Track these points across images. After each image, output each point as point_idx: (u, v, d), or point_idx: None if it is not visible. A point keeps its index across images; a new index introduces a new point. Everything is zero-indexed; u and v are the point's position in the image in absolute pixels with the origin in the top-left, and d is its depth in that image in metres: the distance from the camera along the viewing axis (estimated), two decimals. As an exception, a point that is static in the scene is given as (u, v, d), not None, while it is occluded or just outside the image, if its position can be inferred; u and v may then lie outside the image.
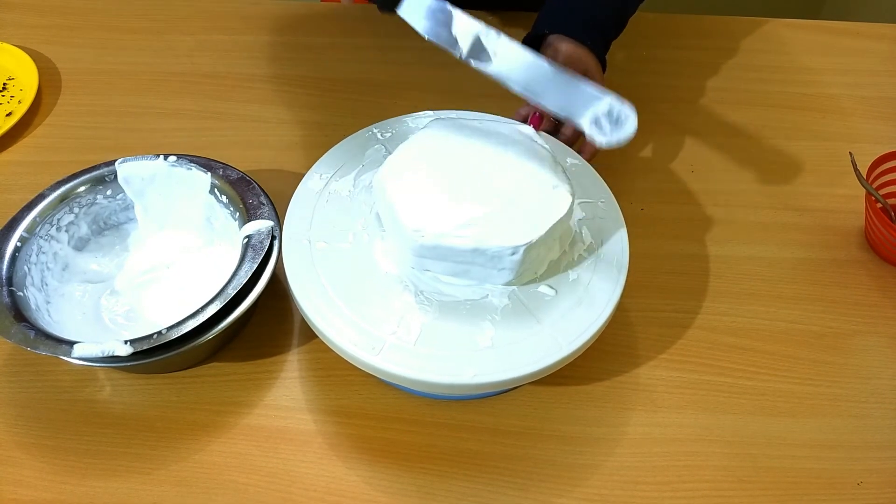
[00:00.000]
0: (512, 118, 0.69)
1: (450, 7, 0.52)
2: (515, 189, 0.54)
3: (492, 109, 0.68)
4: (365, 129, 0.66)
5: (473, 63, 0.52)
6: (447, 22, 0.52)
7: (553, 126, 0.70)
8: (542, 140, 0.66)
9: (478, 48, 0.52)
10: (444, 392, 0.55)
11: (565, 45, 0.67)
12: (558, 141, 0.66)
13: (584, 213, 0.60)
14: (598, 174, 0.63)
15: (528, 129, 0.62)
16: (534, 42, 0.71)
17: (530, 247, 0.52)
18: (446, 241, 0.52)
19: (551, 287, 0.55)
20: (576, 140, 0.69)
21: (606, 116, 0.49)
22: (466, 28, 0.52)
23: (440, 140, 0.58)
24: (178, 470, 0.55)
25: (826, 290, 0.68)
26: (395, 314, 0.53)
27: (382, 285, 0.55)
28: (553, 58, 0.67)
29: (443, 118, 0.60)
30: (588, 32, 0.67)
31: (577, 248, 0.57)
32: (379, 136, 0.65)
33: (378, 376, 0.52)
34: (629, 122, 0.49)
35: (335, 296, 0.54)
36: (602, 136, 0.49)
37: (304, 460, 0.56)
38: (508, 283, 0.55)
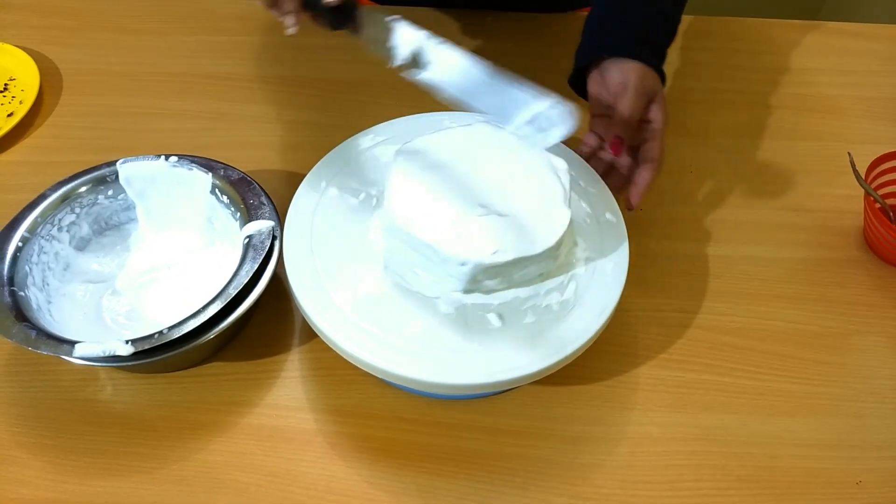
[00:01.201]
0: (579, 149, 0.66)
1: (393, 18, 0.54)
2: (515, 205, 0.53)
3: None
4: (367, 129, 0.66)
5: (409, 72, 0.53)
6: (387, 33, 0.54)
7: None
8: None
9: (418, 58, 0.53)
10: (445, 392, 0.55)
11: (627, 66, 0.62)
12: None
13: (584, 213, 0.60)
14: (597, 174, 0.63)
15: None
16: (583, 70, 0.66)
17: (485, 267, 0.51)
18: (417, 233, 0.51)
19: (557, 292, 0.55)
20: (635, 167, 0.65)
21: (537, 120, 0.50)
22: (409, 39, 0.53)
23: (453, 146, 0.57)
24: (179, 469, 0.55)
25: (825, 289, 0.68)
26: (395, 314, 0.53)
27: (383, 285, 0.55)
28: (612, 80, 0.63)
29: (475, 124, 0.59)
30: (645, 48, 0.63)
31: (577, 248, 0.58)
32: (381, 135, 0.65)
33: (378, 376, 0.52)
34: (557, 129, 0.50)
35: (336, 295, 0.54)
36: (531, 138, 0.50)
37: (304, 459, 0.56)
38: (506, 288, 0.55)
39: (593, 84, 0.65)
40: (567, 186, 0.55)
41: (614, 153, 0.63)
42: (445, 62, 0.52)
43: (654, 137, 0.63)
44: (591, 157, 0.66)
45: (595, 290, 0.55)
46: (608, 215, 0.60)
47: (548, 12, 0.94)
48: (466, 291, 0.53)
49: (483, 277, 0.52)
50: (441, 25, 0.93)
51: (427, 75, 0.52)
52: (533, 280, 0.54)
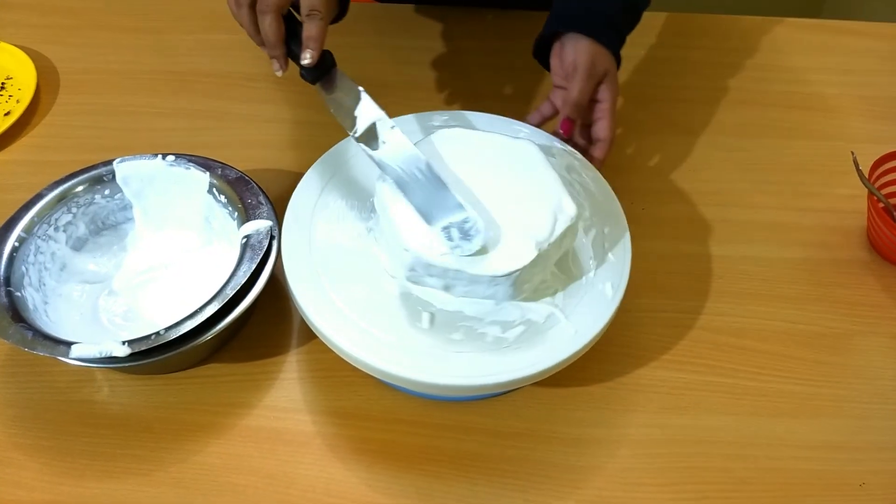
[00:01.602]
0: (526, 121, 0.68)
1: (361, 90, 0.56)
2: (516, 215, 0.53)
3: (494, 110, 0.68)
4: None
5: (362, 144, 0.55)
6: (354, 103, 0.56)
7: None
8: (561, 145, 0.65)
9: (372, 133, 0.55)
10: (445, 393, 0.55)
11: (581, 44, 0.65)
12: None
13: (585, 214, 0.60)
14: (599, 174, 0.63)
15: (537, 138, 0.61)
16: (546, 41, 0.69)
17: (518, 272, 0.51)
18: (432, 259, 0.51)
19: (556, 306, 0.54)
20: (589, 144, 0.68)
21: (458, 227, 0.51)
22: (368, 113, 0.56)
23: (450, 150, 0.57)
24: (176, 471, 0.55)
25: (828, 290, 0.68)
26: (395, 314, 0.53)
27: (382, 286, 0.54)
28: (567, 57, 0.66)
29: (453, 129, 0.59)
30: (604, 29, 0.66)
31: (578, 249, 0.57)
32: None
33: (378, 377, 0.52)
34: (476, 240, 0.50)
35: (335, 296, 0.53)
36: (448, 244, 0.51)
37: (303, 462, 0.56)
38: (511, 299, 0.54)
39: (554, 57, 0.69)
40: (554, 224, 0.53)
41: (565, 134, 0.66)
42: (394, 146, 0.55)
43: (604, 116, 0.66)
44: (541, 125, 0.69)
45: (595, 290, 0.55)
46: (611, 215, 0.60)
47: (548, 10, 0.94)
48: (412, 280, 0.54)
49: (424, 273, 0.52)
50: (441, 24, 0.93)
51: (377, 154, 0.55)
52: (484, 300, 0.54)
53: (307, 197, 0.60)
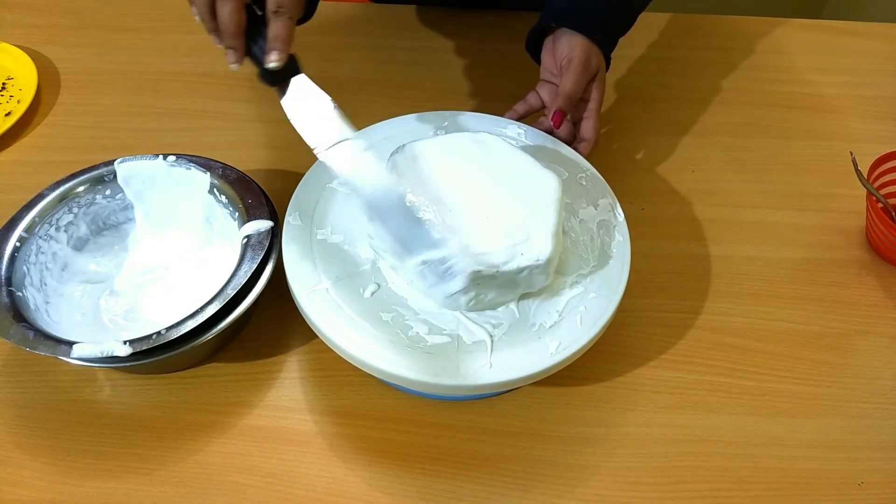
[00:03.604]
0: (513, 109, 0.69)
1: (333, 103, 0.52)
2: (504, 221, 0.53)
3: (488, 110, 0.69)
4: (367, 128, 0.66)
5: (328, 161, 0.51)
6: (320, 117, 0.52)
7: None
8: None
9: (340, 151, 0.51)
10: (445, 393, 0.55)
11: (576, 40, 0.65)
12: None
13: (585, 214, 0.60)
14: (599, 174, 0.63)
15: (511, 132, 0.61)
16: (539, 35, 0.70)
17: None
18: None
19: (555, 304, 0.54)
20: (573, 139, 0.69)
21: (437, 264, 0.48)
22: (338, 130, 0.51)
23: (440, 155, 0.57)
24: (177, 470, 0.55)
25: (827, 290, 0.68)
26: (395, 314, 0.53)
27: (383, 285, 0.55)
28: (561, 51, 0.66)
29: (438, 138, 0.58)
30: (596, 27, 0.66)
31: (578, 247, 0.57)
32: (380, 134, 0.65)
33: (378, 377, 0.52)
34: (456, 280, 0.49)
35: (335, 296, 0.54)
36: (423, 283, 0.49)
37: (303, 461, 0.56)
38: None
39: (545, 51, 0.69)
40: (555, 217, 0.53)
41: (555, 126, 0.66)
42: (368, 170, 0.51)
43: (591, 116, 0.67)
44: (525, 116, 0.70)
45: (595, 293, 0.55)
46: (612, 215, 0.60)
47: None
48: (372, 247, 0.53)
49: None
50: (441, 24, 0.93)
51: (349, 176, 0.51)
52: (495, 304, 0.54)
53: (308, 197, 0.60)
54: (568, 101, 0.65)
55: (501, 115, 0.69)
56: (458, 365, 0.50)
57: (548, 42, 0.69)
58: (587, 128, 0.67)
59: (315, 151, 0.52)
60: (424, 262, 0.49)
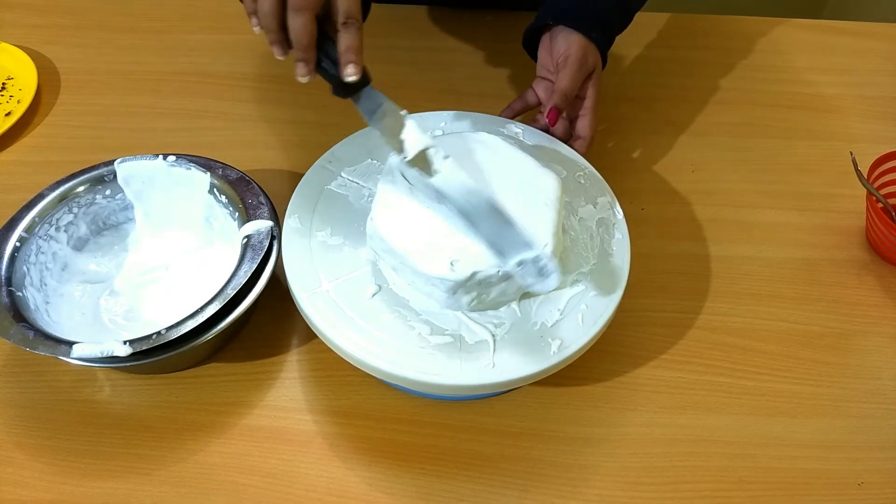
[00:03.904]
0: (510, 107, 0.69)
1: (404, 114, 0.52)
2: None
3: (488, 110, 0.69)
4: (367, 128, 0.66)
5: (415, 171, 0.52)
6: (399, 126, 0.52)
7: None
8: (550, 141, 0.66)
9: (423, 159, 0.52)
10: (445, 393, 0.55)
11: (573, 38, 0.66)
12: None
13: (584, 212, 0.60)
14: (598, 174, 0.63)
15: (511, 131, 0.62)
16: (536, 32, 0.70)
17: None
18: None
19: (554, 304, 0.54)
20: (568, 137, 0.69)
21: (533, 264, 0.49)
22: (415, 140, 0.52)
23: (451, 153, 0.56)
24: (177, 470, 0.55)
25: (827, 290, 0.68)
26: (395, 314, 0.53)
27: (382, 285, 0.55)
28: (558, 49, 0.67)
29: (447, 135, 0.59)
30: (594, 26, 0.66)
31: (578, 246, 0.57)
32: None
33: (378, 377, 0.52)
34: (552, 277, 0.50)
35: (335, 296, 0.54)
36: (524, 281, 0.50)
37: (303, 461, 0.56)
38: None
39: (542, 49, 0.70)
40: (555, 217, 0.53)
41: (550, 123, 0.66)
42: (453, 177, 0.51)
43: (587, 114, 0.68)
44: (521, 112, 0.70)
45: (595, 291, 0.55)
46: (611, 214, 0.60)
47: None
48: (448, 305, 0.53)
49: (461, 291, 0.52)
50: (441, 24, 0.93)
51: (435, 182, 0.51)
52: (509, 300, 0.54)
53: (307, 197, 0.60)
54: (564, 99, 0.65)
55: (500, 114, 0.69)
56: (461, 365, 0.50)
57: (545, 39, 0.69)
58: (583, 125, 0.68)
59: (402, 160, 0.52)
60: (521, 263, 0.50)
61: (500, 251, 0.50)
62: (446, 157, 0.52)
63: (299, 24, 0.48)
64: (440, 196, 0.51)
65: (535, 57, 0.72)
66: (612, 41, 0.70)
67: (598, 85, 0.68)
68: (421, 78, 0.86)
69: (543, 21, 0.68)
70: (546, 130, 0.67)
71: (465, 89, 0.85)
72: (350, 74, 0.50)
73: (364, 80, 0.51)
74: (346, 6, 0.48)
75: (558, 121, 0.66)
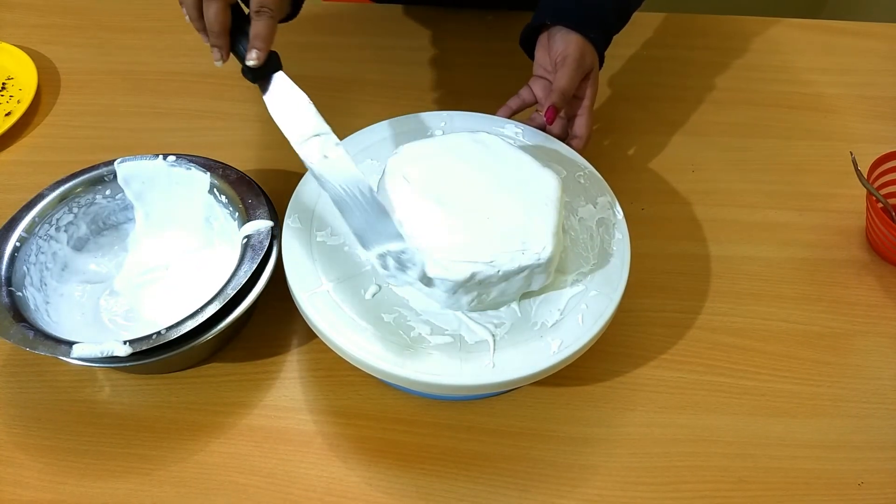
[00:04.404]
0: (506, 105, 0.69)
1: (307, 100, 0.54)
2: (504, 222, 0.53)
3: (488, 110, 0.69)
4: (366, 128, 0.66)
5: (301, 153, 0.53)
6: (299, 109, 0.54)
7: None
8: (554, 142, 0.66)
9: (314, 145, 0.53)
10: (445, 393, 0.55)
11: (571, 37, 0.66)
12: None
13: (584, 212, 0.60)
14: (598, 174, 0.63)
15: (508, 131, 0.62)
16: (534, 32, 0.70)
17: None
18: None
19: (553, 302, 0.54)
20: (565, 136, 0.69)
21: (395, 255, 0.50)
22: (313, 125, 0.54)
23: (450, 153, 0.57)
24: (177, 470, 0.55)
25: (827, 290, 0.68)
26: (395, 314, 0.53)
27: (383, 285, 0.55)
28: (555, 48, 0.67)
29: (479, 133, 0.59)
30: (592, 26, 0.67)
31: (578, 246, 0.57)
32: (380, 134, 0.65)
33: (378, 377, 0.52)
34: (412, 271, 0.50)
35: (335, 296, 0.54)
36: (383, 270, 0.50)
37: (303, 461, 0.56)
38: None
39: (540, 48, 0.70)
40: (555, 217, 0.53)
41: (548, 121, 0.66)
42: (337, 164, 0.52)
43: (584, 114, 0.68)
44: (518, 111, 0.70)
45: (595, 291, 0.55)
46: (611, 214, 0.60)
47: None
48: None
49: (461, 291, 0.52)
50: (441, 24, 0.93)
51: (316, 167, 0.52)
52: (509, 300, 0.54)
53: (307, 197, 0.60)
54: (562, 98, 0.65)
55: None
56: (461, 365, 0.50)
57: (542, 39, 0.70)
58: (580, 124, 0.68)
59: (292, 144, 0.54)
60: (385, 253, 0.50)
61: (364, 240, 0.50)
62: (337, 144, 0.53)
63: (212, 13, 0.52)
64: (320, 182, 0.52)
65: (531, 56, 0.72)
66: (610, 41, 0.70)
67: (596, 85, 0.68)
68: (421, 78, 0.86)
69: (541, 21, 0.68)
70: (543, 128, 0.67)
71: (466, 89, 0.85)
72: (251, 59, 0.53)
73: (272, 67, 0.54)
74: None
75: (556, 119, 0.66)
